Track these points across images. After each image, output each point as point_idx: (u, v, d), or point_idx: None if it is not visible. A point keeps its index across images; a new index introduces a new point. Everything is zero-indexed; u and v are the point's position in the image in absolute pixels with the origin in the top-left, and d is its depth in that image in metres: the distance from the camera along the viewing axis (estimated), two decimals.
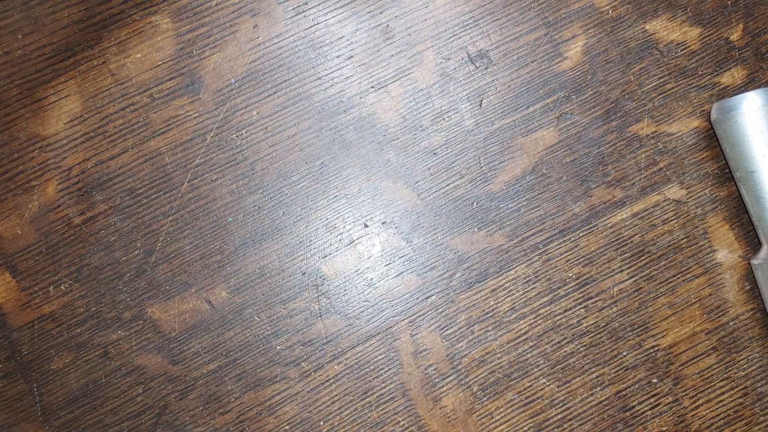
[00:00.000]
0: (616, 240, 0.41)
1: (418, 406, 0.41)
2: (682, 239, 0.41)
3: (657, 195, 0.41)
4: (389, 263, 0.41)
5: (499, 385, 0.41)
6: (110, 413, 0.40)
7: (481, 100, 0.41)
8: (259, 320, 0.40)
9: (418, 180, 0.41)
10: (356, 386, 0.41)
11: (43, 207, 0.40)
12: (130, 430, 0.40)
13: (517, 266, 0.41)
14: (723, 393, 0.41)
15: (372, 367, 0.41)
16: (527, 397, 0.41)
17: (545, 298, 0.41)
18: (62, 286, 0.40)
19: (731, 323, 0.41)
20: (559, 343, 0.41)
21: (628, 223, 0.41)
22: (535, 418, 0.41)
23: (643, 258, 0.41)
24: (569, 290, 0.41)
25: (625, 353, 0.41)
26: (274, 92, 0.40)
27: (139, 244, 0.40)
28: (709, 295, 0.41)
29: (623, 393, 0.41)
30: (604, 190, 0.41)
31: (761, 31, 0.42)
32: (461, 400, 0.41)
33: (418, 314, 0.41)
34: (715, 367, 0.41)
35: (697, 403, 0.41)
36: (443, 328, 0.41)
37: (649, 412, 0.41)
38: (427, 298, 0.41)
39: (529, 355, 0.41)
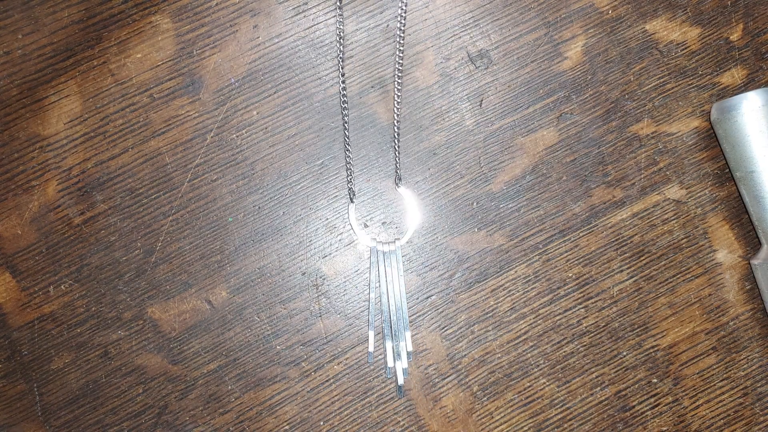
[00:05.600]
0: (616, 240, 0.41)
1: (418, 406, 0.41)
2: (682, 239, 0.41)
3: (657, 195, 0.41)
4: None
5: (499, 385, 0.41)
6: (110, 413, 0.40)
7: (481, 100, 0.41)
8: (259, 320, 0.40)
9: (418, 180, 0.41)
10: (356, 386, 0.41)
11: (43, 207, 0.40)
12: (130, 430, 0.40)
13: (517, 266, 0.41)
14: (723, 393, 0.41)
15: (372, 367, 0.41)
16: (527, 397, 0.41)
17: (545, 298, 0.41)
18: (62, 286, 0.40)
19: (731, 323, 0.41)
20: (559, 343, 0.41)
21: (628, 223, 0.41)
22: (535, 418, 0.41)
23: (643, 258, 0.41)
24: (569, 290, 0.41)
25: (625, 353, 0.41)
26: (274, 92, 0.40)
27: (139, 244, 0.40)
28: (709, 295, 0.41)
29: (623, 393, 0.41)
30: (604, 190, 0.41)
31: (761, 31, 0.42)
32: (461, 400, 0.41)
33: (418, 314, 0.41)
34: (715, 367, 0.41)
35: (697, 403, 0.41)
36: (443, 328, 0.41)
37: (649, 412, 0.41)
38: (427, 298, 0.41)
39: (529, 355, 0.41)
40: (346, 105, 0.39)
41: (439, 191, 0.41)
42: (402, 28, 0.33)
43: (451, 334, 0.41)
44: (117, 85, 0.40)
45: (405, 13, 0.31)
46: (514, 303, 0.41)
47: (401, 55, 0.38)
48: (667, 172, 0.41)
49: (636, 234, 0.41)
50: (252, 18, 0.40)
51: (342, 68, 0.35)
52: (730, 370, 0.41)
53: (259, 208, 0.40)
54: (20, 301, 0.40)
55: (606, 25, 0.41)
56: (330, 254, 0.41)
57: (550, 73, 0.41)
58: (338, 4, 0.30)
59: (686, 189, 0.42)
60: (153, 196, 0.40)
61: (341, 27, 0.31)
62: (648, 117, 0.41)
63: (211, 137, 0.40)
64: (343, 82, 0.37)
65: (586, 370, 0.41)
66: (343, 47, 0.32)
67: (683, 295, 0.41)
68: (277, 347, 0.40)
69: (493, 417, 0.41)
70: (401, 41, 0.31)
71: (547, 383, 0.41)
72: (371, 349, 0.40)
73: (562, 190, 0.41)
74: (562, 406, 0.41)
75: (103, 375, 0.40)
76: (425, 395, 0.41)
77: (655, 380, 0.41)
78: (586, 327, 0.41)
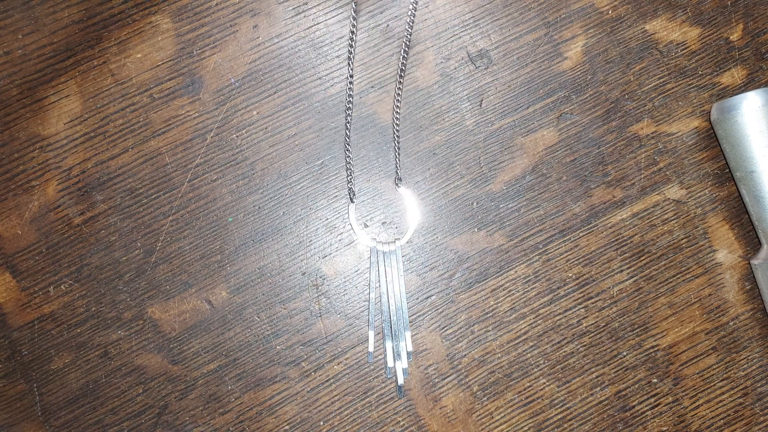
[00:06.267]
0: (616, 240, 0.41)
1: (418, 406, 0.41)
2: (682, 239, 0.41)
3: (657, 195, 0.41)
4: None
5: (499, 385, 0.41)
6: (110, 413, 0.40)
7: (481, 100, 0.41)
8: (259, 320, 0.40)
9: (418, 180, 0.41)
10: (356, 386, 0.41)
11: (43, 207, 0.40)
12: (130, 430, 0.40)
13: (517, 266, 0.41)
14: (723, 393, 0.41)
15: (372, 367, 0.41)
16: (527, 397, 0.41)
17: (545, 298, 0.41)
18: (62, 286, 0.40)
19: (731, 323, 0.41)
20: (559, 343, 0.41)
21: (628, 223, 0.41)
22: (535, 418, 0.41)
23: (643, 258, 0.41)
24: (569, 290, 0.41)
25: (625, 353, 0.41)
26: (274, 92, 0.40)
27: (139, 244, 0.40)
28: (709, 295, 0.41)
29: (623, 393, 0.41)
30: (604, 190, 0.41)
31: (761, 31, 0.42)
32: (461, 400, 0.41)
33: (418, 314, 0.41)
34: (715, 367, 0.41)
35: (697, 403, 0.41)
36: (443, 328, 0.41)
37: (649, 412, 0.41)
38: (427, 298, 0.41)
39: (529, 355, 0.41)
40: (351, 105, 0.39)
41: (439, 191, 0.41)
42: (410, 31, 0.34)
43: (451, 334, 0.41)
44: (117, 85, 0.40)
45: (414, 16, 0.33)
46: (514, 303, 0.41)
47: (405, 56, 0.39)
48: (667, 172, 0.41)
49: (636, 234, 0.41)
50: (252, 18, 0.40)
51: (351, 69, 0.36)
52: (730, 370, 0.41)
53: (259, 208, 0.40)
54: (20, 301, 0.40)
55: (606, 25, 0.41)
56: (330, 254, 0.41)
57: (550, 73, 0.41)
58: (353, 7, 0.31)
59: (686, 189, 0.42)
60: (153, 196, 0.40)
61: (354, 29, 0.31)
62: (648, 117, 0.41)
63: (211, 137, 0.40)
64: (351, 83, 0.37)
65: (586, 370, 0.41)
66: (354, 48, 0.32)
67: (683, 295, 0.41)
68: (277, 347, 0.40)
69: (493, 417, 0.41)
70: (408, 42, 0.31)
71: (547, 383, 0.41)
72: (371, 349, 0.40)
73: (562, 190, 0.41)
74: (562, 406, 0.41)
75: (103, 375, 0.40)
76: (425, 395, 0.41)
77: (655, 380, 0.41)
78: (586, 327, 0.41)
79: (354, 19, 0.32)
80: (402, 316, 0.40)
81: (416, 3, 0.33)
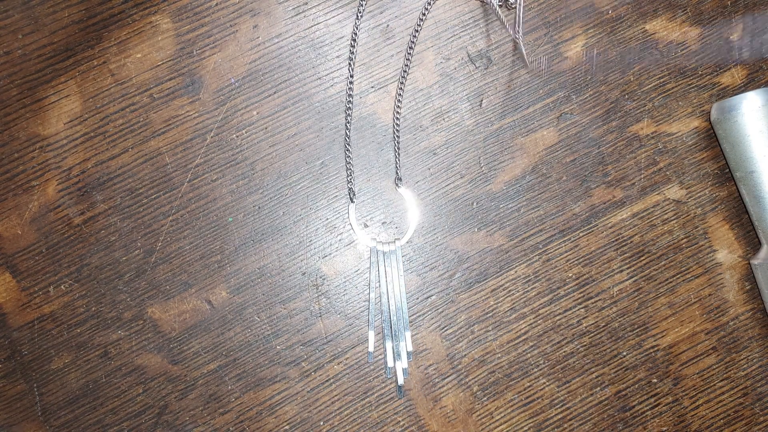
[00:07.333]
0: (616, 240, 0.41)
1: (418, 406, 0.41)
2: (682, 239, 0.41)
3: (657, 195, 0.41)
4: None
5: (499, 385, 0.41)
6: (110, 413, 0.40)
7: (481, 100, 0.41)
8: (259, 320, 0.40)
9: (418, 180, 0.41)
10: (356, 386, 0.41)
11: (43, 207, 0.40)
12: (130, 430, 0.40)
13: (517, 266, 0.41)
14: (723, 393, 0.41)
15: (372, 367, 0.41)
16: (527, 397, 0.41)
17: (545, 298, 0.41)
18: (62, 286, 0.40)
19: (731, 323, 0.41)
20: (559, 343, 0.41)
21: (628, 223, 0.41)
22: (535, 418, 0.41)
23: (643, 258, 0.41)
24: (569, 290, 0.41)
25: (625, 353, 0.41)
26: (274, 92, 0.40)
27: (139, 244, 0.40)
28: (709, 295, 0.41)
29: (623, 393, 0.41)
30: (604, 190, 0.41)
31: (761, 31, 0.42)
32: (461, 400, 0.41)
33: (418, 314, 0.41)
34: (715, 367, 0.41)
35: (697, 403, 0.41)
36: (443, 328, 0.41)
37: (649, 412, 0.41)
38: (427, 298, 0.41)
39: (529, 355, 0.41)
40: (351, 105, 0.39)
41: (439, 191, 0.41)
42: (418, 27, 0.34)
43: (451, 334, 0.41)
44: (117, 85, 0.40)
45: (425, 17, 0.33)
46: (514, 303, 0.41)
47: (410, 55, 0.39)
48: (667, 172, 0.41)
49: (636, 234, 0.41)
50: (252, 18, 0.40)
51: (352, 69, 0.36)
52: (730, 370, 0.41)
53: (259, 208, 0.40)
54: (20, 301, 0.40)
55: (606, 25, 0.41)
56: (330, 254, 0.41)
57: (550, 73, 0.41)
58: (360, 7, 0.31)
59: (686, 189, 0.42)
60: (153, 196, 0.40)
61: (356, 29, 0.31)
62: (648, 117, 0.41)
63: (211, 137, 0.40)
64: (351, 83, 0.37)
65: (586, 370, 0.41)
66: (355, 48, 0.33)
67: (683, 295, 0.41)
68: (277, 347, 0.40)
69: (493, 417, 0.41)
70: (413, 41, 0.32)
71: (547, 383, 0.41)
72: (371, 349, 0.40)
73: (562, 190, 0.41)
74: (562, 406, 0.41)
75: (103, 375, 0.40)
76: (425, 395, 0.41)
77: (655, 380, 0.41)
78: (586, 327, 0.41)
79: (358, 19, 0.32)
80: (402, 316, 0.40)
81: (430, 4, 0.33)
